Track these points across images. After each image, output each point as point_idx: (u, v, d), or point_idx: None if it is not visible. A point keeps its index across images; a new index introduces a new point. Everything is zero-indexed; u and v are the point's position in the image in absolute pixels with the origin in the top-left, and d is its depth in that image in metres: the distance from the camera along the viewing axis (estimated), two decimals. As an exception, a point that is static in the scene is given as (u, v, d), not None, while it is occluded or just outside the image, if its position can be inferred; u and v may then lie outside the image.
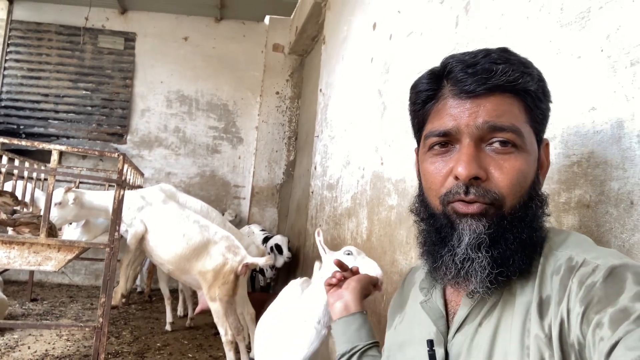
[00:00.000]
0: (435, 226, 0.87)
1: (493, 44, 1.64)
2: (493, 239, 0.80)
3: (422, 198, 0.93)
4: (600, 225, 1.11)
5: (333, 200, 3.64)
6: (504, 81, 0.81)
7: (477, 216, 0.80)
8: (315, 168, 4.39)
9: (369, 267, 1.54)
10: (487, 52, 0.84)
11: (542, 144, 0.90)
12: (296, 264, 5.37)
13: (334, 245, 3.44)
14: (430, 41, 2.19)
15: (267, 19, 6.95)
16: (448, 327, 0.90)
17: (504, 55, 0.84)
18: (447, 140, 0.85)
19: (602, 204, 1.11)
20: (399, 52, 2.58)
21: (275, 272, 5.52)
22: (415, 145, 1.02)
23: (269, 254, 5.10)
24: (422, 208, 0.93)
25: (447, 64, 0.86)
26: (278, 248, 5.05)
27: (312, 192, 4.42)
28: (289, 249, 5.02)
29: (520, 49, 1.47)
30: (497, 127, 0.80)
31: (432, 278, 0.93)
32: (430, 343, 0.88)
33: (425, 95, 0.90)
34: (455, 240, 0.82)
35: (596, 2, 1.18)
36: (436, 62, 2.13)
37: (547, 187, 1.28)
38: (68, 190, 3.22)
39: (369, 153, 2.87)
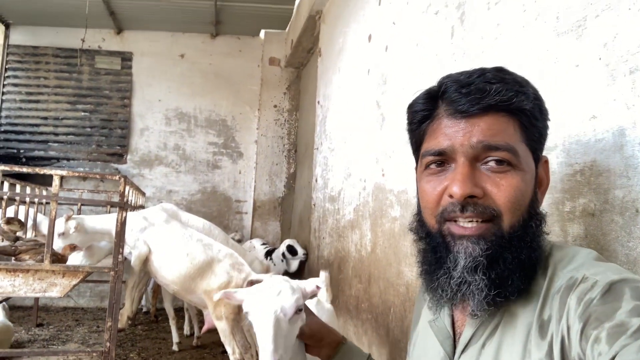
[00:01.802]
0: (432, 245, 0.88)
1: (489, 54, 1.66)
2: (491, 260, 0.79)
3: (419, 217, 0.94)
4: (606, 233, 1.11)
5: (335, 213, 3.63)
6: (498, 100, 0.81)
7: (475, 238, 0.81)
8: (316, 180, 4.39)
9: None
10: (482, 72, 0.85)
11: (540, 161, 0.90)
12: (301, 277, 5.35)
13: (339, 258, 3.43)
14: (426, 52, 2.20)
15: (262, 33, 6.98)
16: (455, 347, 0.91)
17: (499, 75, 0.85)
18: (443, 159, 0.86)
19: (607, 213, 1.10)
20: (396, 63, 2.59)
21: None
22: (415, 164, 1.03)
23: (282, 260, 5.11)
24: (420, 227, 0.94)
25: (443, 84, 0.87)
26: (291, 250, 5.05)
27: (314, 205, 4.41)
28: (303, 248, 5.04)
29: (517, 59, 1.48)
30: (491, 147, 0.81)
31: (431, 298, 0.93)
32: None
33: (421, 115, 0.91)
34: (450, 262, 0.82)
35: (592, 11, 1.18)
36: (434, 73, 2.14)
37: (550, 197, 1.28)
38: (69, 218, 3.21)
39: (370, 164, 2.87)
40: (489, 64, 1.62)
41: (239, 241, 5.51)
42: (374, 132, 2.83)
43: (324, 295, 2.06)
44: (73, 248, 3.08)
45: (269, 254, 5.39)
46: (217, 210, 6.80)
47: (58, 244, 3.18)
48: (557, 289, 0.77)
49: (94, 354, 2.93)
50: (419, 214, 0.95)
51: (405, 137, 2.40)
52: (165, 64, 6.81)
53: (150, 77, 6.75)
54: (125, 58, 6.72)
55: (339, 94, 3.81)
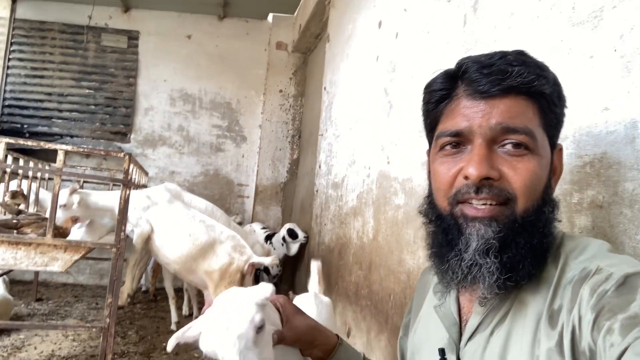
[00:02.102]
0: (442, 227, 0.87)
1: (502, 44, 1.65)
2: (503, 243, 0.79)
3: (430, 199, 0.93)
4: (613, 226, 1.11)
5: (338, 199, 3.63)
6: (519, 82, 0.80)
7: (487, 220, 0.80)
8: (319, 167, 4.39)
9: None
10: (503, 54, 0.84)
11: (555, 148, 0.89)
12: (301, 261, 5.38)
13: (340, 244, 3.44)
14: (437, 40, 2.18)
15: (270, 16, 6.94)
16: (460, 334, 0.90)
17: (521, 58, 0.84)
18: (459, 140, 0.84)
19: (616, 205, 1.10)
20: (406, 51, 2.57)
21: (281, 269, 5.53)
22: (427, 147, 1.02)
23: (282, 244, 5.14)
24: (430, 209, 0.92)
25: (463, 64, 0.86)
26: (291, 233, 5.07)
27: (317, 191, 4.41)
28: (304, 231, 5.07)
29: (530, 48, 1.46)
30: (510, 129, 0.80)
31: (440, 280, 0.92)
32: (442, 351, 0.88)
33: (439, 95, 0.89)
34: (462, 244, 0.81)
35: (609, 2, 1.17)
36: (444, 61, 2.12)
37: (559, 188, 1.28)
38: (73, 191, 3.22)
39: (375, 152, 2.86)
40: (502, 53, 1.61)
41: (240, 224, 5.54)
42: (381, 120, 2.82)
43: (316, 287, 1.96)
44: (75, 220, 3.09)
45: (268, 238, 5.41)
46: (219, 193, 6.80)
47: (59, 217, 3.19)
48: (569, 280, 0.76)
49: (94, 329, 2.95)
50: (429, 196, 0.94)
51: (412, 125, 2.40)
52: (171, 44, 6.78)
53: (156, 57, 6.72)
54: (132, 37, 6.69)
55: (346, 80, 3.79)
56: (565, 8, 1.33)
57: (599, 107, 1.17)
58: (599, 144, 1.16)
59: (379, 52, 3.00)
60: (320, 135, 4.49)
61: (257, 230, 5.65)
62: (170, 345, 1.01)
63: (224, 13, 6.80)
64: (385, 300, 2.50)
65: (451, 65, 0.92)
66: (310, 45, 6.40)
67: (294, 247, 5.18)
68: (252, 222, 6.41)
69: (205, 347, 0.93)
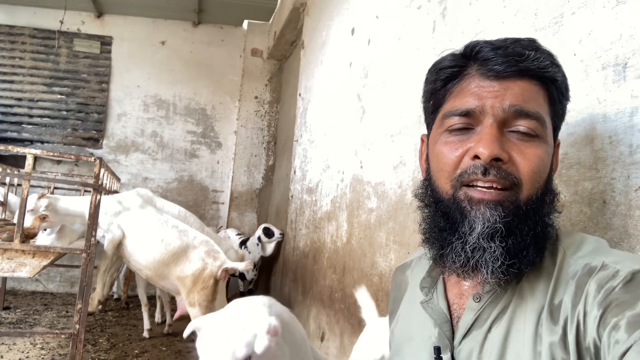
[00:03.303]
0: (442, 211, 0.83)
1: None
2: (508, 228, 0.76)
3: (429, 182, 0.89)
4: (574, 224, 1.14)
5: (313, 204, 3.64)
6: (536, 66, 0.79)
7: (493, 204, 0.77)
8: (294, 172, 4.40)
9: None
10: (516, 39, 0.83)
11: (556, 141, 0.88)
12: (275, 265, 5.37)
13: (314, 249, 3.45)
14: (408, 46, 2.22)
15: (245, 23, 6.94)
16: (452, 331, 0.86)
17: (533, 44, 0.83)
18: (467, 122, 0.81)
19: (576, 204, 1.14)
20: (378, 57, 2.61)
21: (256, 274, 5.51)
22: (424, 132, 0.98)
23: (257, 244, 5.11)
24: (428, 193, 0.89)
25: (475, 45, 0.83)
26: (267, 232, 5.06)
27: (292, 196, 4.42)
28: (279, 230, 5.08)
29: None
30: (523, 112, 0.78)
31: (437, 265, 0.88)
32: (438, 350, 0.85)
33: (449, 73, 0.85)
34: (466, 227, 0.78)
35: (568, 8, 1.22)
36: (414, 67, 2.14)
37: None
38: (41, 196, 3.16)
39: (349, 157, 2.89)
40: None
41: (218, 232, 5.51)
42: (354, 125, 2.85)
43: (374, 312, 1.70)
44: (43, 218, 3.02)
45: (243, 243, 5.39)
46: (194, 199, 6.75)
47: (27, 221, 3.12)
48: (571, 275, 0.75)
49: (62, 337, 2.89)
50: (428, 179, 0.90)
51: (384, 129, 2.43)
52: (145, 50, 6.72)
53: (129, 63, 6.65)
54: (105, 42, 6.61)
55: (321, 86, 3.82)
56: (528, 14, 1.38)
57: (560, 109, 1.21)
58: (561, 145, 1.20)
59: (352, 59, 3.03)
60: (295, 141, 4.50)
61: (232, 237, 5.62)
62: (186, 332, 1.00)
63: (199, 19, 6.78)
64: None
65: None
66: (285, 52, 6.42)
67: (270, 247, 5.16)
68: (227, 228, 6.37)
69: (199, 344, 0.92)
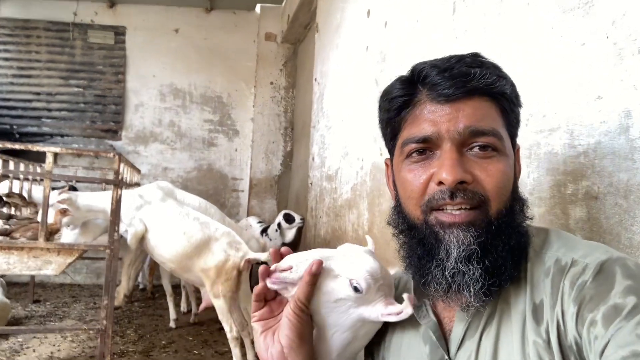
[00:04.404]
0: (418, 238, 0.84)
1: (492, 31, 1.62)
2: (484, 248, 0.77)
3: (399, 209, 0.90)
4: (609, 217, 1.09)
5: (332, 192, 3.61)
6: (483, 84, 0.80)
7: (465, 225, 0.78)
8: (313, 159, 4.36)
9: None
10: (460, 57, 0.83)
11: (515, 148, 0.89)
12: (296, 248, 5.37)
13: (336, 237, 3.43)
14: (426, 29, 2.15)
15: (258, 7, 6.86)
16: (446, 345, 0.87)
17: (477, 60, 0.84)
18: (427, 146, 0.83)
19: (611, 196, 1.09)
20: (395, 40, 2.54)
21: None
22: (386, 156, 1.00)
23: (277, 231, 5.12)
24: (400, 220, 0.89)
25: (422, 70, 0.84)
26: (288, 218, 5.05)
27: (311, 184, 4.39)
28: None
29: (521, 36, 1.44)
30: (478, 132, 0.79)
31: (422, 294, 0.89)
32: None
33: (401, 101, 0.86)
34: (442, 253, 0.79)
35: (600, -13, 1.15)
36: (433, 50, 2.08)
37: (552, 179, 1.26)
38: (62, 192, 3.18)
39: (368, 143, 2.84)
40: (492, 41, 1.59)
41: (262, 222, 5.54)
42: (372, 111, 2.79)
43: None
44: (64, 212, 3.04)
45: (264, 231, 5.40)
46: (213, 188, 6.77)
47: (49, 217, 3.16)
48: (545, 273, 0.77)
49: (91, 332, 2.94)
50: (398, 206, 0.90)
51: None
52: (159, 39, 6.70)
53: (144, 52, 6.65)
54: (119, 32, 6.61)
55: (337, 71, 3.76)
56: (555, -6, 1.30)
57: (591, 95, 1.15)
58: (592, 133, 1.14)
59: (369, 42, 2.96)
60: (313, 127, 4.46)
61: (254, 225, 5.62)
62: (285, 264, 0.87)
63: (211, 5, 6.72)
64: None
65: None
66: (299, 36, 6.34)
67: (290, 233, 5.15)
68: (247, 216, 6.38)
69: (335, 266, 0.86)
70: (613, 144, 1.08)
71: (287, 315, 0.82)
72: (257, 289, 0.86)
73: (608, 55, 1.11)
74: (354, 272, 0.86)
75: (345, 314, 0.87)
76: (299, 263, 0.84)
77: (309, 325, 0.84)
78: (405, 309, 0.86)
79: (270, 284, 0.84)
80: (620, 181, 1.06)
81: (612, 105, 1.09)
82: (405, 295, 0.86)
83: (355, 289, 0.85)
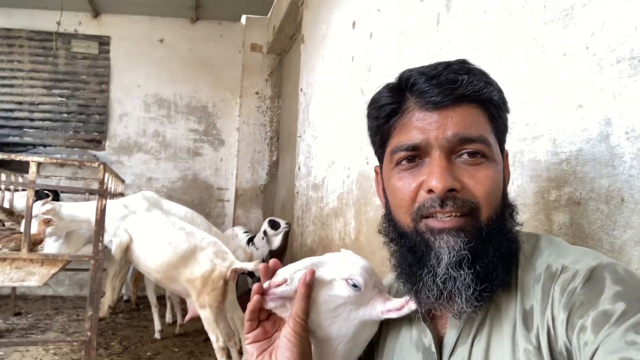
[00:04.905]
0: (408, 245, 0.84)
1: (476, 42, 1.66)
2: (474, 253, 0.77)
3: (389, 217, 0.90)
4: (591, 222, 1.12)
5: (319, 201, 3.62)
6: (471, 91, 0.80)
7: (455, 231, 0.78)
8: (299, 168, 4.37)
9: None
10: (447, 64, 0.84)
11: (503, 154, 0.90)
12: (282, 261, 5.35)
13: (322, 246, 3.43)
14: (411, 39, 2.19)
15: (243, 18, 6.89)
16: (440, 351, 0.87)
17: (465, 67, 0.84)
18: (416, 154, 0.83)
19: (593, 201, 1.12)
20: (381, 51, 2.57)
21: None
22: (375, 164, 1.00)
23: (263, 238, 5.10)
24: (391, 228, 0.89)
25: (409, 77, 0.84)
26: (273, 224, 5.03)
27: (297, 193, 4.40)
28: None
29: (504, 47, 1.48)
30: (467, 139, 0.80)
31: (415, 301, 0.89)
32: None
33: (390, 109, 0.86)
34: (433, 259, 0.79)
35: (579, 0, 1.18)
36: (418, 61, 2.12)
37: (536, 185, 1.29)
38: (45, 203, 3.15)
39: (354, 152, 2.86)
40: (476, 52, 1.62)
41: (248, 232, 5.51)
42: (358, 120, 2.82)
43: None
44: (47, 222, 3.00)
45: (250, 240, 5.38)
46: (199, 198, 6.74)
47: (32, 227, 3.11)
48: (536, 279, 0.78)
49: (75, 343, 2.89)
50: (388, 214, 0.90)
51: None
52: (144, 48, 6.68)
53: (128, 62, 6.62)
54: (103, 42, 6.57)
55: (323, 81, 3.79)
56: (537, 6, 1.34)
57: (573, 104, 1.18)
58: (574, 141, 1.17)
59: (354, 53, 2.99)
60: (299, 136, 4.47)
61: (240, 234, 5.60)
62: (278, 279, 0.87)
63: (196, 16, 6.73)
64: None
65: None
66: (285, 47, 6.37)
67: (277, 239, 5.13)
68: (233, 226, 6.36)
69: (326, 272, 0.86)
70: (594, 151, 1.11)
71: (287, 335, 0.80)
72: (250, 305, 0.83)
73: (588, 65, 1.14)
74: (347, 271, 0.87)
75: (347, 321, 0.87)
76: (293, 274, 0.84)
77: (308, 343, 0.83)
78: (407, 304, 0.87)
79: (268, 302, 0.83)
80: (601, 187, 1.09)
81: (593, 114, 1.12)
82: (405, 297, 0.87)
83: (354, 286, 0.85)
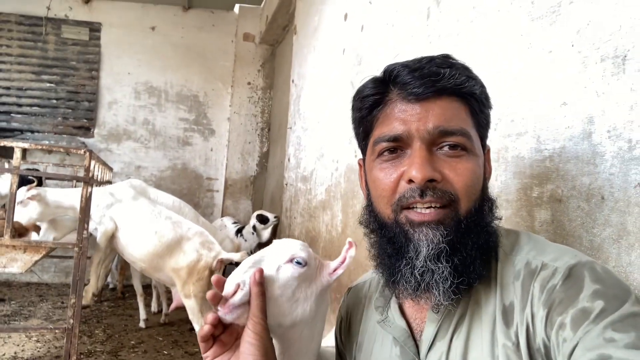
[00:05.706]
0: (388, 236, 0.84)
1: (464, 37, 1.65)
2: (452, 246, 0.78)
3: (371, 208, 0.90)
4: (572, 219, 1.12)
5: (307, 193, 3.62)
6: (452, 84, 0.81)
7: (434, 224, 0.79)
8: (289, 160, 4.36)
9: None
10: (430, 58, 0.85)
11: (485, 149, 0.90)
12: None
13: (310, 238, 3.43)
14: (402, 33, 2.18)
15: (236, 7, 6.83)
16: (416, 346, 0.87)
17: (448, 61, 0.85)
18: (397, 145, 0.83)
19: (574, 199, 1.12)
20: (371, 44, 2.56)
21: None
22: (360, 157, 1.00)
23: (253, 233, 5.09)
24: (372, 219, 0.90)
25: (393, 69, 0.85)
26: (262, 219, 5.03)
27: (287, 184, 4.39)
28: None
29: (492, 42, 1.47)
30: (447, 132, 0.80)
31: (391, 292, 0.90)
32: None
33: (372, 100, 0.87)
34: (412, 251, 0.79)
35: (567, -3, 1.18)
36: (408, 54, 2.11)
37: (519, 182, 1.29)
38: (30, 188, 3.12)
39: (343, 145, 2.86)
40: (464, 47, 1.62)
41: (237, 223, 5.50)
42: (348, 113, 2.81)
43: None
44: (37, 228, 2.98)
45: (239, 231, 5.37)
46: (188, 187, 6.71)
47: (22, 219, 3.09)
48: (515, 275, 0.78)
49: (57, 331, 2.88)
50: (369, 205, 0.91)
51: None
52: (135, 36, 6.61)
53: (119, 49, 6.55)
54: (94, 29, 6.50)
55: (314, 73, 3.77)
56: (525, 2, 1.34)
57: (557, 101, 1.18)
58: (557, 138, 1.17)
59: (345, 45, 2.98)
60: (289, 128, 4.46)
61: (228, 225, 5.59)
62: (229, 288, 0.85)
63: (189, 4, 6.67)
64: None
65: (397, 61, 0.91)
66: (277, 37, 6.33)
67: (266, 233, 5.14)
68: (222, 216, 6.34)
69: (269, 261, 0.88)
70: (577, 149, 1.12)
71: (248, 339, 0.79)
72: (202, 331, 0.81)
73: (573, 63, 1.14)
74: (288, 253, 0.89)
75: (307, 300, 0.89)
76: (243, 278, 0.83)
77: (270, 343, 0.82)
78: (347, 253, 0.91)
79: (228, 316, 0.81)
80: (582, 185, 1.09)
81: (577, 112, 1.12)
82: (348, 240, 0.92)
83: (299, 264, 0.88)
